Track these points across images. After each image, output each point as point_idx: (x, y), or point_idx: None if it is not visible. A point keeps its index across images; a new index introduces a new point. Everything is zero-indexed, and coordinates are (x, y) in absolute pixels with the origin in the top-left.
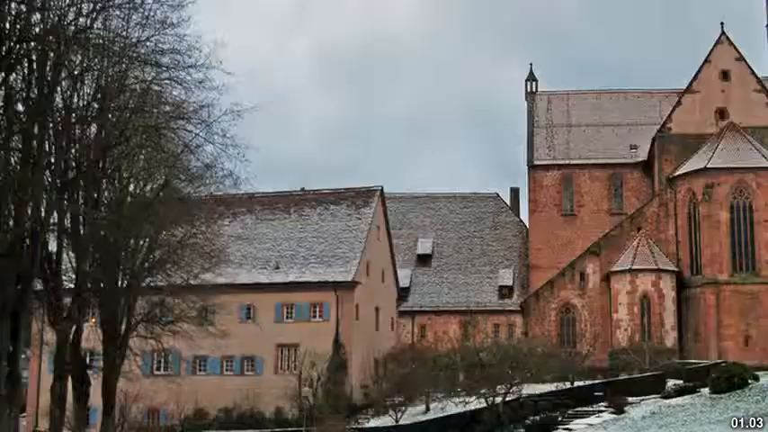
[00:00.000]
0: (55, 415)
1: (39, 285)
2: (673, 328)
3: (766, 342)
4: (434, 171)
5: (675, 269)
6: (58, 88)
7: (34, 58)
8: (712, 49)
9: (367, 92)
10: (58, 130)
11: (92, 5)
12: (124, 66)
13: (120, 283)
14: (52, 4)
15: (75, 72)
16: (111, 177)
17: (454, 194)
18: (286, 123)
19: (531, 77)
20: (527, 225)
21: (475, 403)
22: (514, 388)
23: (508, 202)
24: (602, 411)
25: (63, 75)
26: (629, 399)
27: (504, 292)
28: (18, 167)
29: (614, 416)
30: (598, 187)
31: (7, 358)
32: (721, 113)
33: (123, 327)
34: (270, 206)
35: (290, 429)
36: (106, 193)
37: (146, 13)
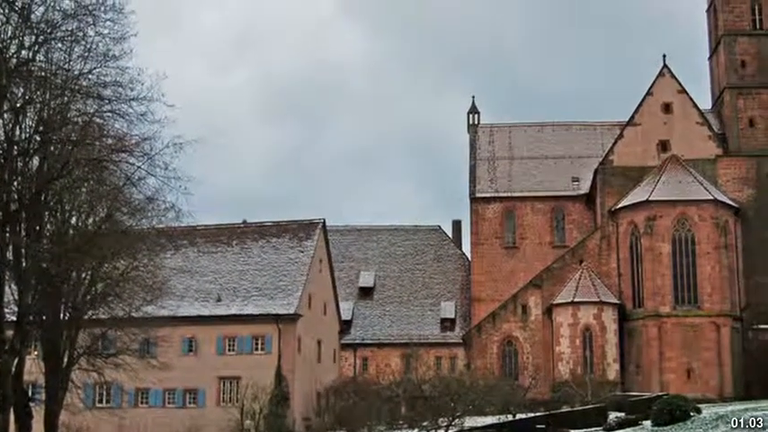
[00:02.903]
0: None
1: None
2: (615, 361)
3: (708, 375)
4: (377, 203)
5: (617, 302)
6: (0, 121)
7: None
8: (654, 82)
9: (310, 123)
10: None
11: (34, 38)
12: (66, 98)
13: (62, 315)
14: None
15: (18, 104)
16: (53, 210)
17: (396, 227)
18: (228, 155)
19: (474, 110)
20: (469, 257)
21: None
22: (456, 420)
23: (450, 235)
24: None
25: (5, 107)
26: (571, 431)
27: (447, 324)
28: None
29: None
30: (540, 220)
31: None
32: (663, 146)
33: (65, 359)
34: (212, 239)
35: None
36: (48, 226)
37: (88, 46)
